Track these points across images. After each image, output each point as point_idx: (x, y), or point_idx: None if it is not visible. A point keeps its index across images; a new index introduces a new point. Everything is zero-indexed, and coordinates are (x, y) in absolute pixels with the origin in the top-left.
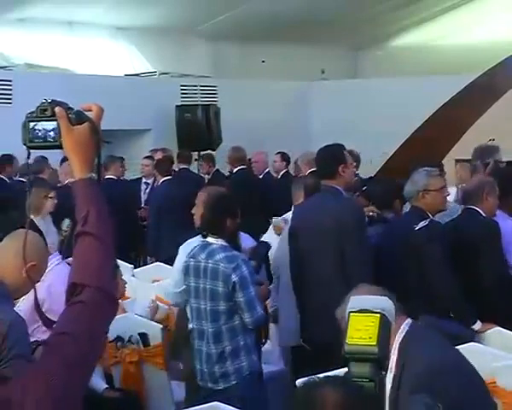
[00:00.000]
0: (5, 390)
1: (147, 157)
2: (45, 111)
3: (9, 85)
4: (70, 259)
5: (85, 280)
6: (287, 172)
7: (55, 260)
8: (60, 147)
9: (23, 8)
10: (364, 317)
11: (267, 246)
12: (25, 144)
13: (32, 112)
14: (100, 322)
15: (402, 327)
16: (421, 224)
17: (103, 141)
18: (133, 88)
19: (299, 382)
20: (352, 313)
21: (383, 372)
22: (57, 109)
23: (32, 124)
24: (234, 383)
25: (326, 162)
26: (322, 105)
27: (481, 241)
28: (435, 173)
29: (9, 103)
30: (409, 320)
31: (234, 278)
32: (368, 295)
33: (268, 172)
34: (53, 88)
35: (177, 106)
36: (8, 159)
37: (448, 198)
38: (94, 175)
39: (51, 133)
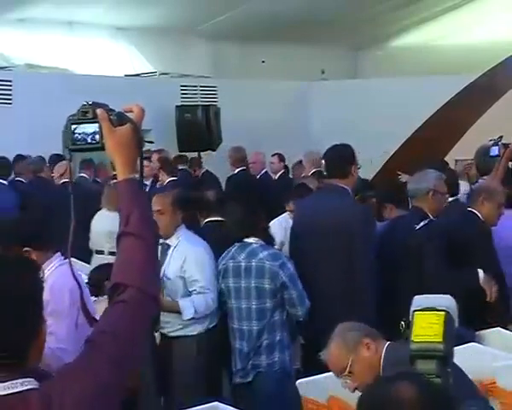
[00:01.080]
0: (46, 386)
1: (144, 158)
2: (87, 113)
3: (9, 86)
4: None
5: (127, 280)
6: (284, 172)
7: (56, 262)
8: (102, 148)
9: (23, 9)
10: (429, 315)
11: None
12: (67, 147)
13: (74, 114)
14: (141, 321)
15: (382, 355)
16: (422, 223)
17: (145, 141)
18: (133, 88)
19: (299, 382)
20: (416, 312)
21: (449, 369)
22: (99, 111)
23: (73, 126)
24: (263, 376)
25: (339, 162)
26: (323, 105)
27: (472, 242)
28: (443, 177)
29: (9, 104)
30: (386, 345)
31: (283, 276)
32: (431, 295)
33: (266, 172)
34: (53, 88)
35: (177, 106)
36: (21, 159)
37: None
38: (136, 175)
39: (93, 135)
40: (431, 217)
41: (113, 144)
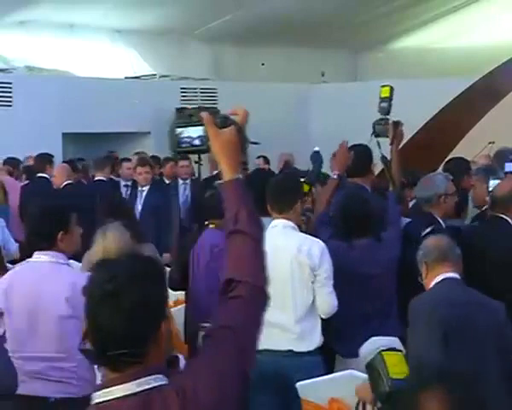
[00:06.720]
0: (177, 380)
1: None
2: (192, 117)
3: (9, 88)
4: None
5: (240, 276)
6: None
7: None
8: (207, 151)
9: (23, 11)
10: None
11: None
12: (174, 150)
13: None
14: (256, 314)
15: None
16: (427, 230)
17: (250, 142)
18: (133, 90)
19: (299, 385)
20: None
21: None
22: (203, 114)
23: (179, 130)
24: None
25: (360, 161)
26: (323, 108)
27: None
28: (450, 177)
29: (10, 106)
30: None
31: None
32: None
33: None
34: (53, 91)
35: (176, 108)
36: (49, 159)
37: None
38: (241, 176)
39: (198, 137)
40: (441, 222)
41: (218, 146)
